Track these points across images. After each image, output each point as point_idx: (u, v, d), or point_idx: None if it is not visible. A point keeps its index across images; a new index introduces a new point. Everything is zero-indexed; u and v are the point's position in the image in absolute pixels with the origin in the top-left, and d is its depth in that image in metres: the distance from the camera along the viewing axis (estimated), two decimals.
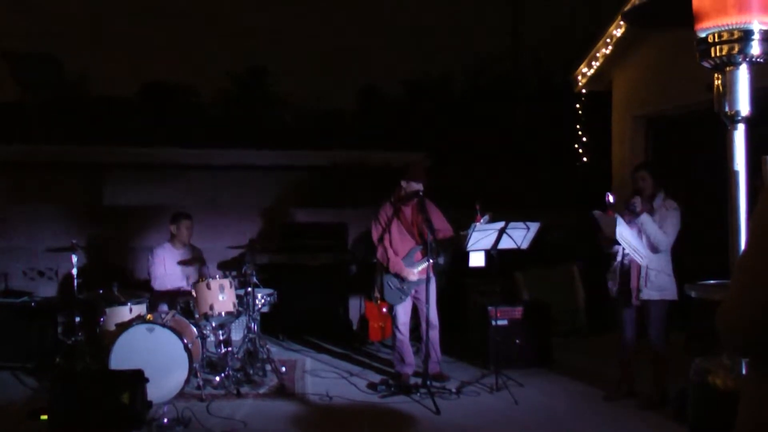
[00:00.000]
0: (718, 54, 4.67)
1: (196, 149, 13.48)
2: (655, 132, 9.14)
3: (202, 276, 7.41)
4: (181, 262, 7.66)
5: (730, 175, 4.84)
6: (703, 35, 4.73)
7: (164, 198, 10.10)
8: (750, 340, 1.93)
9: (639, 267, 6.23)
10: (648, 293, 6.20)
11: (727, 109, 4.75)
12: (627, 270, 6.29)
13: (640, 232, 6.20)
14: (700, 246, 6.39)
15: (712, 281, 5.34)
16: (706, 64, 4.80)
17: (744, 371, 4.61)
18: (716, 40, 4.65)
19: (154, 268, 7.65)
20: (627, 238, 6.12)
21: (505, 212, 6.76)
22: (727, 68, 4.70)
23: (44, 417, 5.53)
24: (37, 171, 10.26)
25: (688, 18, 4.85)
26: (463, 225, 6.88)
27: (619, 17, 8.39)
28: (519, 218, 6.72)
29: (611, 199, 6.21)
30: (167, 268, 7.63)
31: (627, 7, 7.32)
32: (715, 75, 4.80)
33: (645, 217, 6.15)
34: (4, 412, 6.21)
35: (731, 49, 4.61)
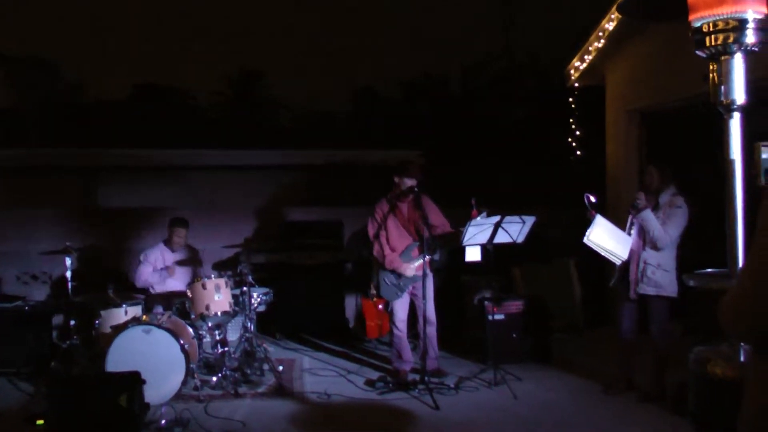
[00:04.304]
0: (713, 43, 4.67)
1: (190, 150, 13.49)
2: (649, 126, 9.11)
3: (197, 276, 7.35)
4: (177, 263, 7.64)
5: (726, 164, 4.83)
6: (698, 25, 4.73)
7: (160, 200, 10.08)
8: (761, 328, 1.99)
9: (638, 260, 6.20)
10: (644, 288, 6.17)
11: (722, 98, 4.75)
12: (627, 262, 6.26)
13: (641, 227, 6.18)
14: (695, 238, 6.36)
15: (710, 270, 5.34)
16: (701, 54, 4.80)
17: (743, 359, 4.61)
18: (711, 29, 4.66)
19: (142, 267, 7.63)
20: (598, 240, 6.07)
21: (500, 209, 6.73)
22: (723, 57, 4.70)
23: (40, 422, 5.52)
24: (32, 174, 10.25)
25: (682, 8, 4.85)
26: (459, 222, 6.87)
27: (612, 10, 8.37)
28: (514, 214, 6.69)
29: (592, 199, 6.18)
30: (159, 267, 7.62)
31: None
32: (711, 65, 4.80)
33: (646, 213, 6.09)
34: (0, 418, 6.16)
35: (726, 38, 4.61)
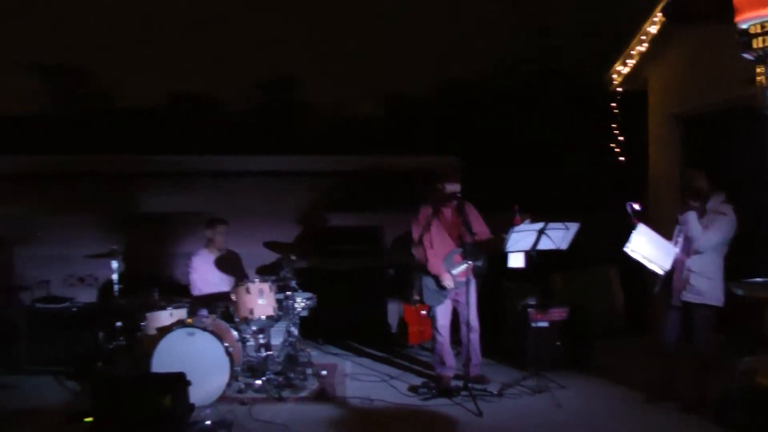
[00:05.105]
0: (760, 45, 4.63)
1: (228, 156, 13.59)
2: (691, 130, 9.01)
3: (239, 280, 7.37)
4: (219, 267, 7.70)
5: None
6: (744, 27, 4.70)
7: (199, 205, 10.15)
8: None
9: (682, 267, 6.12)
10: (687, 295, 6.09)
11: None
12: (671, 269, 6.20)
13: (686, 235, 6.11)
14: (739, 245, 6.27)
15: (758, 279, 5.26)
16: (747, 56, 4.76)
17: None
18: (758, 31, 4.62)
19: (192, 276, 7.70)
20: (640, 250, 6.02)
21: (540, 214, 6.70)
22: None
23: (89, 419, 5.56)
24: (73, 181, 10.38)
25: (727, 11, 4.81)
26: (497, 228, 6.86)
27: (654, 13, 8.30)
28: (554, 220, 6.65)
29: (636, 207, 6.11)
30: (206, 274, 7.67)
31: (665, 1, 7.25)
32: (757, 67, 4.75)
33: (689, 215, 6.02)
34: (46, 415, 6.29)
35: None
